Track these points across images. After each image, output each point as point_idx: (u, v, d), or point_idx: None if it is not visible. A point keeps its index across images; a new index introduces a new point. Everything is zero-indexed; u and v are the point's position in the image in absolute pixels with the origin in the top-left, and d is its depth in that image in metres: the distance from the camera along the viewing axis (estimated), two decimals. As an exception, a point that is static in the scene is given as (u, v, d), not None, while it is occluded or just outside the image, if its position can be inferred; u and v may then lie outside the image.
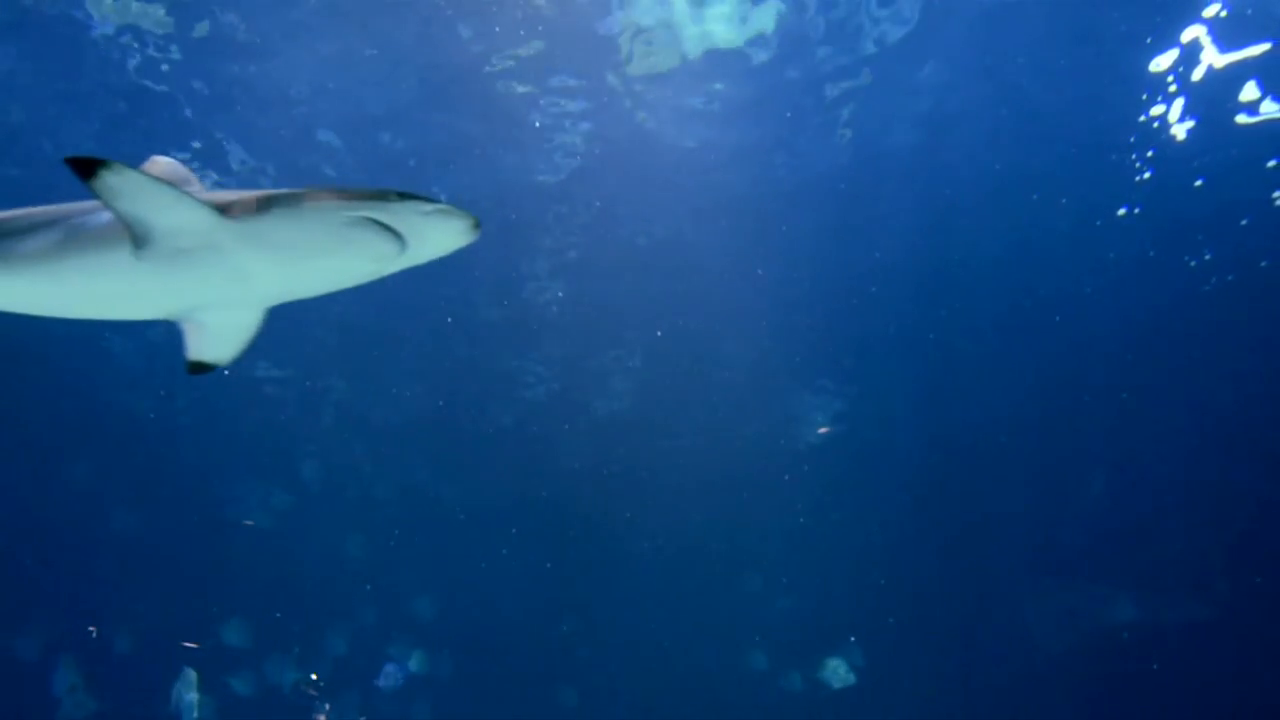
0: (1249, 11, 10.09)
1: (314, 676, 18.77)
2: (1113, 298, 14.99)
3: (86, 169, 3.34)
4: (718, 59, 10.31)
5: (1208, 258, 14.25)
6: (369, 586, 23.17)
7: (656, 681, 24.67)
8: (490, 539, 22.63)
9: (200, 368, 4.39)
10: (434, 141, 11.35)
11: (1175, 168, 12.07)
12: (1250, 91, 11.11)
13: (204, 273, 3.73)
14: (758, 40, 10.13)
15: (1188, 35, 10.40)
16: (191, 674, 12.43)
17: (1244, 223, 13.32)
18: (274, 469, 20.32)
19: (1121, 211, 13.24)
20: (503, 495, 21.02)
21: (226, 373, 17.05)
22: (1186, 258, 14.33)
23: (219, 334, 4.25)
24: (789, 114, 11.13)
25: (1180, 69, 10.85)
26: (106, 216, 3.69)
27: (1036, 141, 11.91)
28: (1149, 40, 10.46)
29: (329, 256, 3.65)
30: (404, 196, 3.51)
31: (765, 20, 9.89)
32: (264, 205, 3.55)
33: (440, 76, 10.45)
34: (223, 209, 3.54)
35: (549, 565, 23.37)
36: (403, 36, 9.91)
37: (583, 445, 19.28)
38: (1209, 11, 10.10)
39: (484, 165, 11.71)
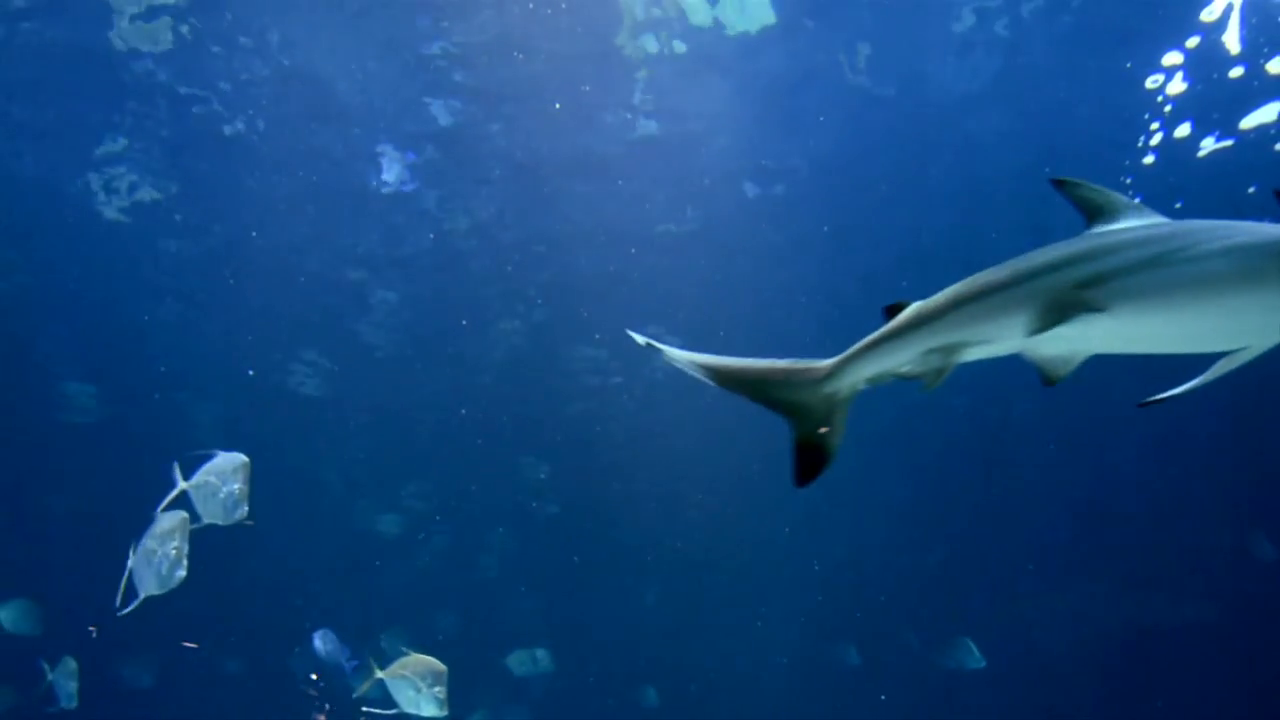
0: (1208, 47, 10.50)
1: (314, 677, 18.87)
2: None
3: None
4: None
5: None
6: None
7: (736, 678, 24.59)
8: (566, 537, 22.84)
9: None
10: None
11: (1155, 186, 12.51)
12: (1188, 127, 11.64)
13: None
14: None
15: (1169, 59, 10.83)
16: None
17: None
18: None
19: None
20: (573, 491, 21.39)
21: (252, 373, 17.42)
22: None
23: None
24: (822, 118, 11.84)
25: (1166, 89, 11.26)
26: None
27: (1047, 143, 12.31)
28: (1129, 65, 10.92)
29: None
30: None
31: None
32: None
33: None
34: None
35: (621, 565, 23.52)
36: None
37: (632, 428, 19.54)
38: (1190, 43, 10.54)
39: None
